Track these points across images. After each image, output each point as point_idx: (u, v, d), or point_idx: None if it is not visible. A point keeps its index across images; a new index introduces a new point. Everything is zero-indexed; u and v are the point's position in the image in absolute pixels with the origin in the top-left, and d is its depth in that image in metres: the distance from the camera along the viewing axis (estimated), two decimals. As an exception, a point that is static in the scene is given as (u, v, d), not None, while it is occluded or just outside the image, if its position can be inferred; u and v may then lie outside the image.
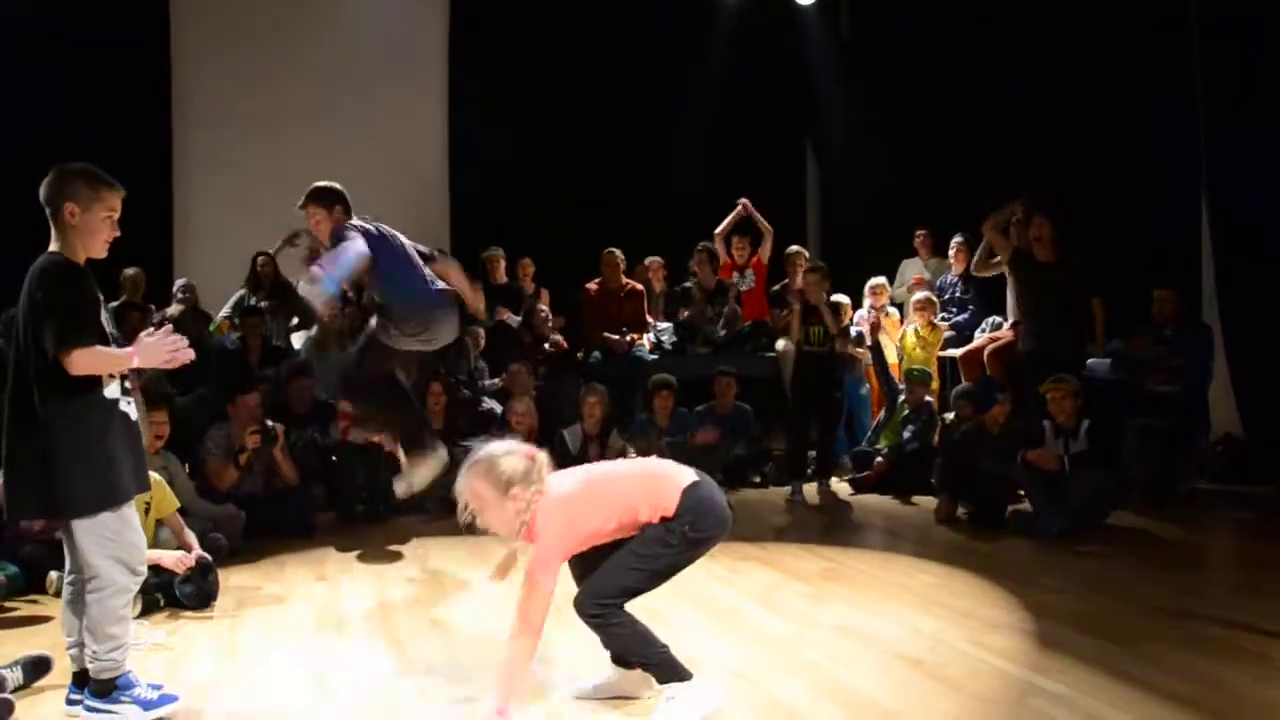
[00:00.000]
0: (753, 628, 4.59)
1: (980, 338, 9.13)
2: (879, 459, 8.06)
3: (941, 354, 9.27)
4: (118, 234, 3.58)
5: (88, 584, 3.41)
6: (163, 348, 3.43)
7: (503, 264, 10.04)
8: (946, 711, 3.51)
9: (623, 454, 7.65)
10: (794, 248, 9.93)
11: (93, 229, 3.50)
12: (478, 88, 11.88)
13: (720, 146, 12.10)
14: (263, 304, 9.39)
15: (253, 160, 11.13)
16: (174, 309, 9.55)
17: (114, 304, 8.82)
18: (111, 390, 3.47)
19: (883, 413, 8.75)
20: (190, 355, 3.49)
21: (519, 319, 9.68)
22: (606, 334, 9.39)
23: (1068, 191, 9.21)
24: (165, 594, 5.02)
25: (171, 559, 4.98)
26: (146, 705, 3.50)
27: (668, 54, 12.15)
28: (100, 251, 3.56)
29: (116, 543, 3.41)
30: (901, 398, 8.60)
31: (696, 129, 12.03)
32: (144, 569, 3.55)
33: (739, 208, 9.94)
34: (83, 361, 3.33)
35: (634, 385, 8.83)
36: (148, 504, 5.22)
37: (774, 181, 12.22)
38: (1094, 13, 9.04)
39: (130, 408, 3.55)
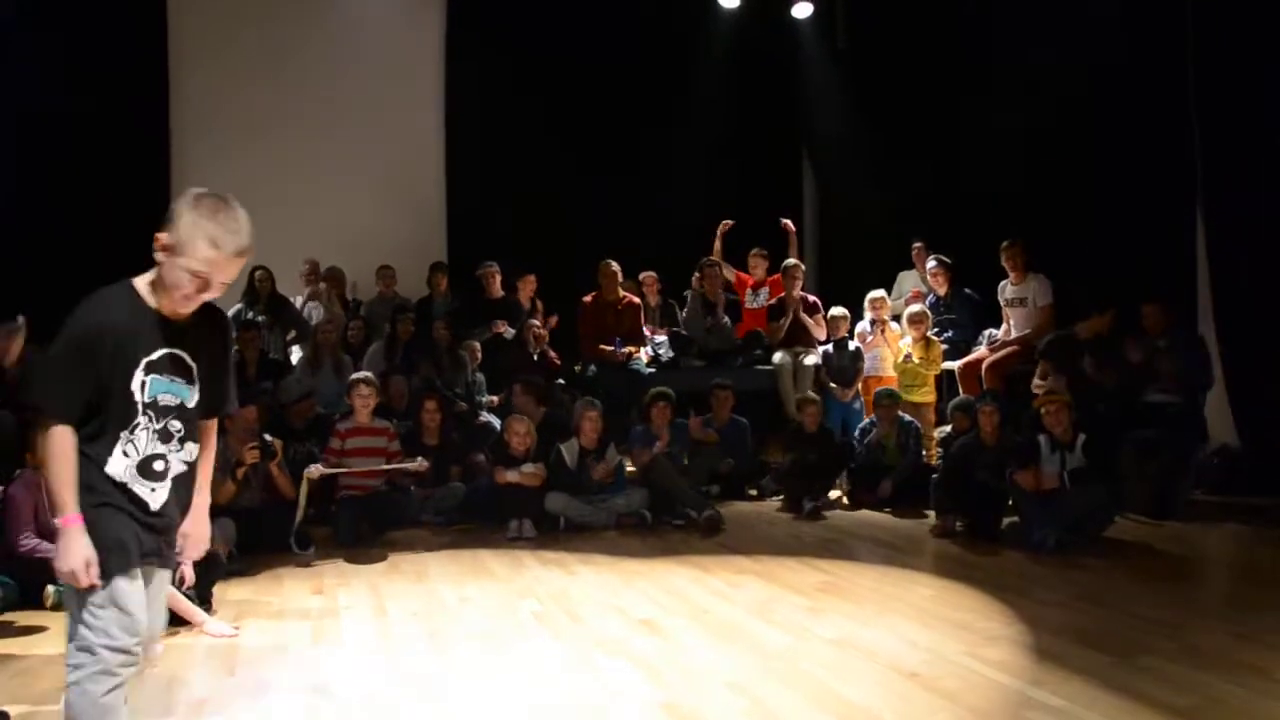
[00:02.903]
0: (750, 641, 4.59)
1: (979, 350, 9.16)
2: (884, 482, 8.01)
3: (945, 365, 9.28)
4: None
5: None
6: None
7: (498, 278, 10.06)
8: (943, 724, 3.52)
9: (620, 467, 7.68)
10: (791, 260, 9.96)
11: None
12: (474, 97, 11.94)
13: (717, 158, 12.16)
14: (259, 318, 9.40)
15: (250, 173, 11.12)
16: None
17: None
18: (117, 466, 2.78)
19: (868, 421, 8.63)
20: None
21: (514, 332, 9.69)
22: (602, 346, 9.39)
23: (1063, 203, 9.26)
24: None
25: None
26: None
27: (664, 65, 12.21)
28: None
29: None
30: (870, 420, 8.55)
31: (693, 141, 12.08)
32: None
33: (781, 225, 10.14)
34: None
35: (631, 398, 8.85)
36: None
37: (770, 194, 12.29)
38: (1090, 25, 9.07)
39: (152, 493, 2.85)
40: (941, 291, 9.73)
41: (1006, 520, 6.82)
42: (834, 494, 8.29)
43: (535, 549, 6.71)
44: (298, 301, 10.05)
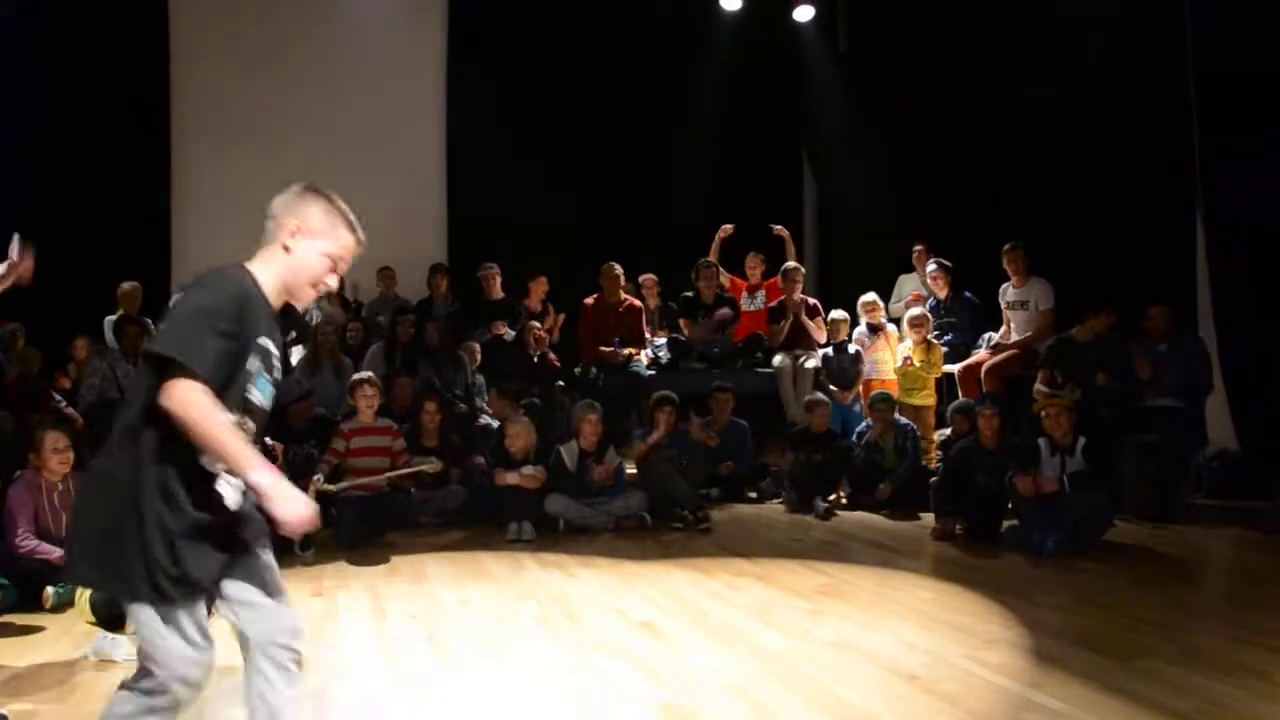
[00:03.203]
0: (750, 643, 4.58)
1: (979, 353, 9.16)
2: (884, 484, 8.02)
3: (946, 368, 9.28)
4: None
5: None
6: None
7: (498, 280, 10.05)
8: (943, 727, 3.51)
9: (620, 469, 7.67)
10: (791, 264, 9.96)
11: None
12: (476, 98, 11.98)
13: (718, 160, 12.16)
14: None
15: (250, 173, 11.15)
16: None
17: (110, 318, 8.86)
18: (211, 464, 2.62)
19: (865, 424, 8.63)
20: None
21: (513, 334, 9.69)
22: (602, 348, 9.39)
23: (1064, 207, 9.27)
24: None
25: None
26: None
27: (666, 67, 12.24)
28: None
29: None
30: (866, 423, 8.54)
31: (694, 142, 12.10)
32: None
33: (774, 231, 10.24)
34: None
35: (632, 400, 8.85)
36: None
37: (771, 196, 12.29)
38: (1092, 29, 9.08)
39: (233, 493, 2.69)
40: (942, 295, 9.72)
41: (1006, 523, 6.82)
42: (830, 496, 8.28)
43: (535, 551, 6.71)
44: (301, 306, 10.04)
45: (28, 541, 5.36)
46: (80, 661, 4.44)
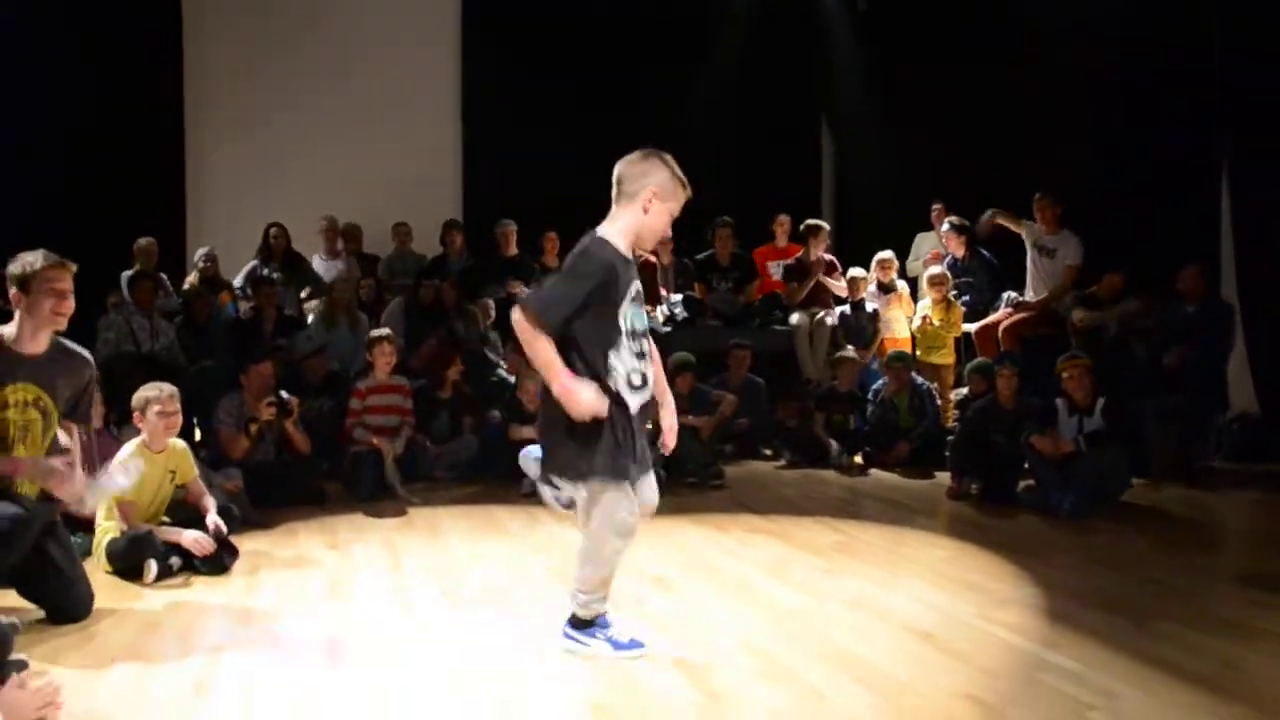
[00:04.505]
0: (764, 600, 4.58)
1: (998, 312, 9.09)
2: (901, 443, 7.99)
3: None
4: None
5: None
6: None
7: (514, 236, 10.00)
8: (956, 685, 3.50)
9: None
10: (815, 221, 9.87)
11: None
12: (492, 56, 11.84)
13: (736, 119, 12.03)
14: (275, 274, 9.39)
15: (265, 131, 11.14)
16: (193, 278, 9.57)
17: (127, 274, 8.87)
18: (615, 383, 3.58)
19: (880, 382, 8.56)
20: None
21: (529, 291, 9.65)
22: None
23: (1088, 167, 9.15)
24: (182, 558, 5.04)
25: (190, 539, 5.01)
26: (617, 645, 3.79)
27: (683, 25, 12.07)
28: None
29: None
30: (882, 381, 8.49)
31: (713, 101, 11.95)
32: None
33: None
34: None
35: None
36: (172, 471, 5.27)
37: (789, 154, 12.17)
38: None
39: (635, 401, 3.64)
40: (959, 254, 9.64)
41: (1022, 484, 6.79)
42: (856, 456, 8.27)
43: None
44: (314, 259, 10.04)
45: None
46: (100, 602, 4.47)
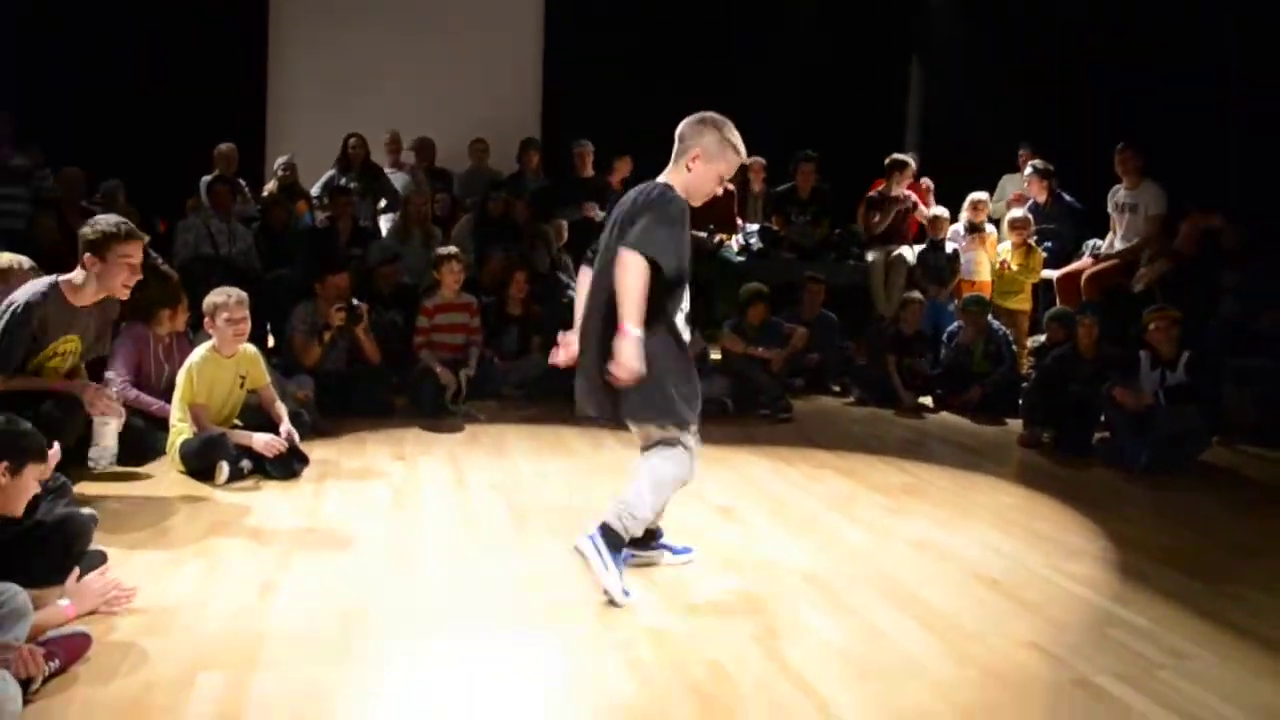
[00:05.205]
0: (829, 536, 4.55)
1: (1081, 260, 8.84)
2: (975, 387, 7.84)
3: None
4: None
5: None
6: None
7: (590, 157, 9.88)
8: (1022, 633, 3.45)
9: (703, 355, 7.60)
10: (897, 156, 9.65)
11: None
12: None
13: (824, 53, 11.72)
14: (352, 185, 9.41)
15: (346, 43, 11.11)
16: (271, 185, 9.64)
17: (206, 178, 8.95)
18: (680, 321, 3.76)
19: (956, 325, 8.36)
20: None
21: (603, 215, 9.58)
22: (693, 232, 9.24)
23: (1182, 108, 8.78)
24: (253, 461, 5.12)
25: (262, 442, 5.08)
26: (676, 552, 4.04)
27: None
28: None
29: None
30: (957, 324, 8.28)
31: (801, 34, 11.67)
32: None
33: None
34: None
35: (719, 286, 8.73)
36: (242, 376, 5.33)
37: (876, 90, 11.88)
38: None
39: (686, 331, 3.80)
40: (1041, 199, 9.37)
41: (1096, 435, 6.64)
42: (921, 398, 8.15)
43: (615, 429, 6.70)
44: (387, 171, 10.05)
45: (128, 390, 5.42)
46: (173, 501, 4.60)
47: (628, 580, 3.63)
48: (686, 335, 3.76)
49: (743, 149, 3.73)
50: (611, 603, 3.54)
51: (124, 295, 4.57)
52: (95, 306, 4.60)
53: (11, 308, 4.36)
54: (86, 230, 4.41)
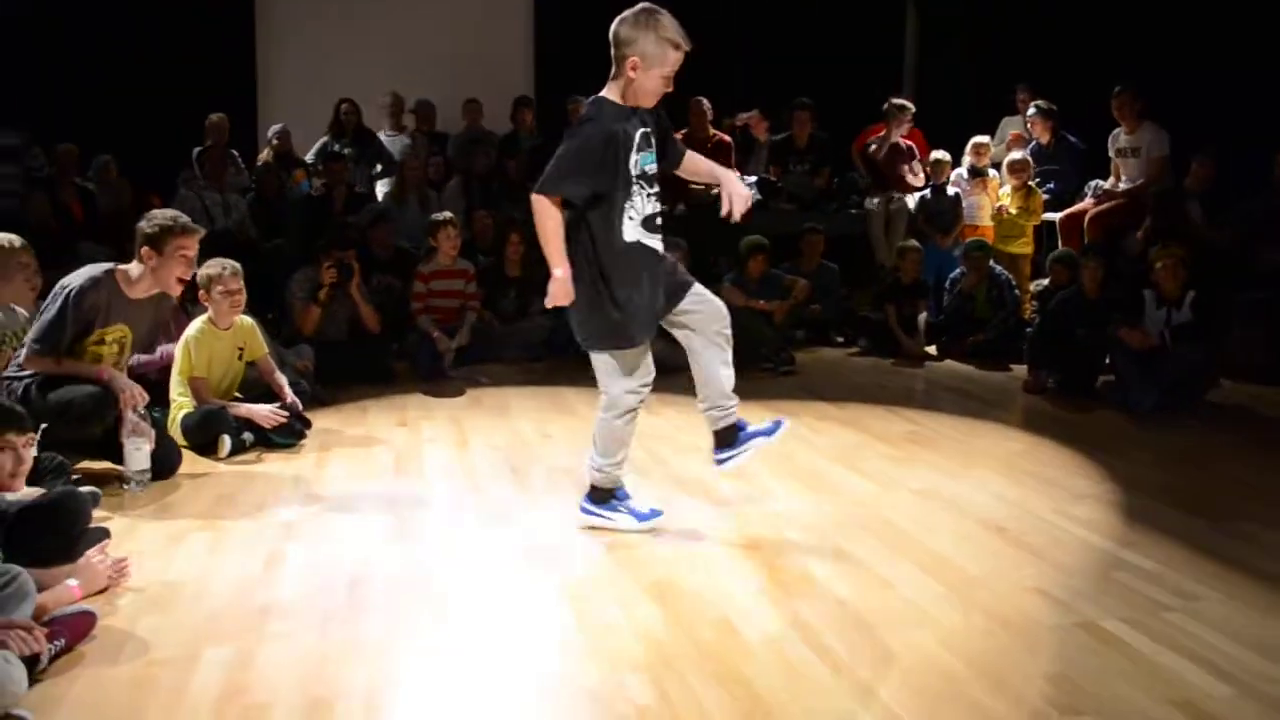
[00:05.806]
0: (834, 487, 4.55)
1: (1084, 201, 8.75)
2: (979, 334, 7.79)
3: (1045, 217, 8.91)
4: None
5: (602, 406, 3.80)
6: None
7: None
8: (1028, 579, 3.45)
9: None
10: (896, 100, 9.52)
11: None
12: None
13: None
14: (346, 150, 9.33)
15: (338, 6, 10.98)
16: (265, 155, 9.56)
17: (197, 149, 8.88)
18: (630, 231, 3.64)
19: (958, 271, 8.30)
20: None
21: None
22: (692, 184, 9.16)
23: (1180, 45, 8.65)
24: (255, 433, 5.11)
25: (262, 414, 5.07)
26: (639, 517, 3.89)
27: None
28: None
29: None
30: (960, 270, 8.21)
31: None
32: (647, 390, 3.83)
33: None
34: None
35: (718, 239, 8.65)
36: (240, 348, 5.31)
37: (871, 30, 11.72)
38: None
39: (656, 241, 3.72)
40: (1044, 140, 9.26)
41: (1101, 378, 6.60)
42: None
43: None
44: (383, 136, 9.95)
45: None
46: (176, 476, 4.61)
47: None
48: (651, 241, 3.68)
49: (684, 40, 3.53)
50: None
51: (177, 291, 4.61)
52: (149, 302, 4.62)
53: (66, 290, 4.39)
54: (143, 224, 4.46)
